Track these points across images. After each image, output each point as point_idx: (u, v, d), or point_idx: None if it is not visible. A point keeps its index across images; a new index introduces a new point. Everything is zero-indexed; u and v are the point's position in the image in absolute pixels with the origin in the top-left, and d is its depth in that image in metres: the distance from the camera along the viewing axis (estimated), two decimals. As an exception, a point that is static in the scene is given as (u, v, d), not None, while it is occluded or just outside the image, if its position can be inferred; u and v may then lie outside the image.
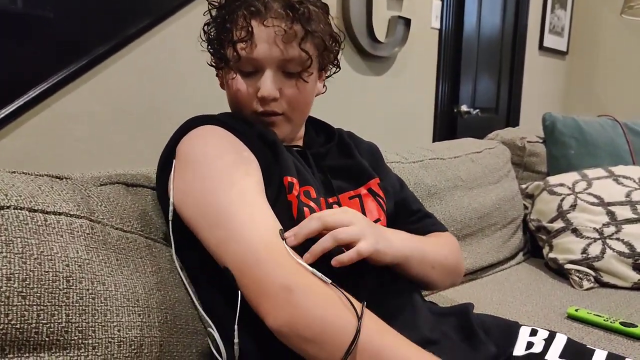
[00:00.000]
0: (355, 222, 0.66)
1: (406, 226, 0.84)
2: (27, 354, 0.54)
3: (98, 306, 0.61)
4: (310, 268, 0.59)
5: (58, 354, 0.56)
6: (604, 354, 0.73)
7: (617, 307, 1.13)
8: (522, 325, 0.81)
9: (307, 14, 0.73)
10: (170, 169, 0.73)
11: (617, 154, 1.60)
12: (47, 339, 0.56)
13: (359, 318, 0.55)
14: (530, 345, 0.77)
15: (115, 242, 0.68)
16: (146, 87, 1.21)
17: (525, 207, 1.54)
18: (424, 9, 2.01)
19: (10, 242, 0.56)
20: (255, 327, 0.61)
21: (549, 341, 0.77)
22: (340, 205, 0.77)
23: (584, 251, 1.29)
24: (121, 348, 0.62)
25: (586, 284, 1.25)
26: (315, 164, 0.82)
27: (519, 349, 0.76)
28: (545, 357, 0.73)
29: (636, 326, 0.98)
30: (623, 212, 1.31)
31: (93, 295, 0.60)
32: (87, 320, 0.59)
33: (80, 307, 0.59)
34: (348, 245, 0.64)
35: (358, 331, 0.54)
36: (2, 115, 0.99)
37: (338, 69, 0.86)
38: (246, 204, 0.64)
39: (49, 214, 0.62)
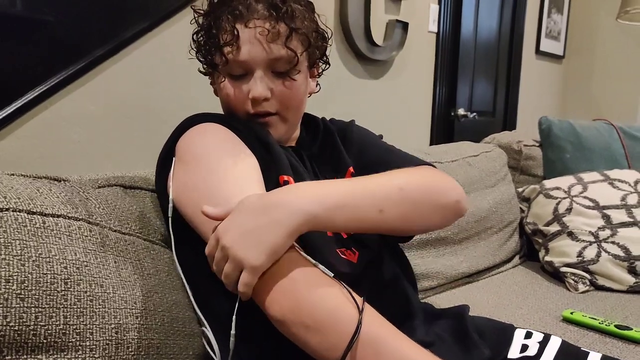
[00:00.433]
0: (223, 237, 0.58)
1: None
2: (25, 356, 0.54)
3: (96, 308, 0.61)
4: (313, 260, 0.59)
5: (56, 356, 0.57)
6: (598, 356, 0.74)
7: (613, 310, 1.14)
8: (517, 327, 0.82)
9: (290, 12, 0.73)
10: (169, 166, 0.73)
11: (613, 158, 1.61)
12: (45, 341, 0.56)
13: (360, 311, 0.55)
14: (524, 348, 0.77)
15: (113, 244, 0.69)
16: (144, 89, 1.21)
17: (522, 211, 1.55)
18: (421, 12, 2.02)
19: (8, 244, 0.56)
20: (253, 336, 0.61)
21: (543, 344, 0.77)
22: None
23: (580, 254, 1.29)
24: (119, 350, 0.62)
25: (582, 287, 1.26)
26: (310, 163, 0.82)
27: (514, 352, 0.77)
28: (540, 360, 0.74)
29: (631, 329, 0.98)
30: (618, 216, 1.32)
31: (91, 298, 0.61)
32: (85, 323, 0.59)
33: (79, 309, 0.59)
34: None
35: (360, 323, 0.54)
36: (0, 118, 0.99)
37: (328, 66, 0.86)
38: None
39: (48, 216, 0.62)
